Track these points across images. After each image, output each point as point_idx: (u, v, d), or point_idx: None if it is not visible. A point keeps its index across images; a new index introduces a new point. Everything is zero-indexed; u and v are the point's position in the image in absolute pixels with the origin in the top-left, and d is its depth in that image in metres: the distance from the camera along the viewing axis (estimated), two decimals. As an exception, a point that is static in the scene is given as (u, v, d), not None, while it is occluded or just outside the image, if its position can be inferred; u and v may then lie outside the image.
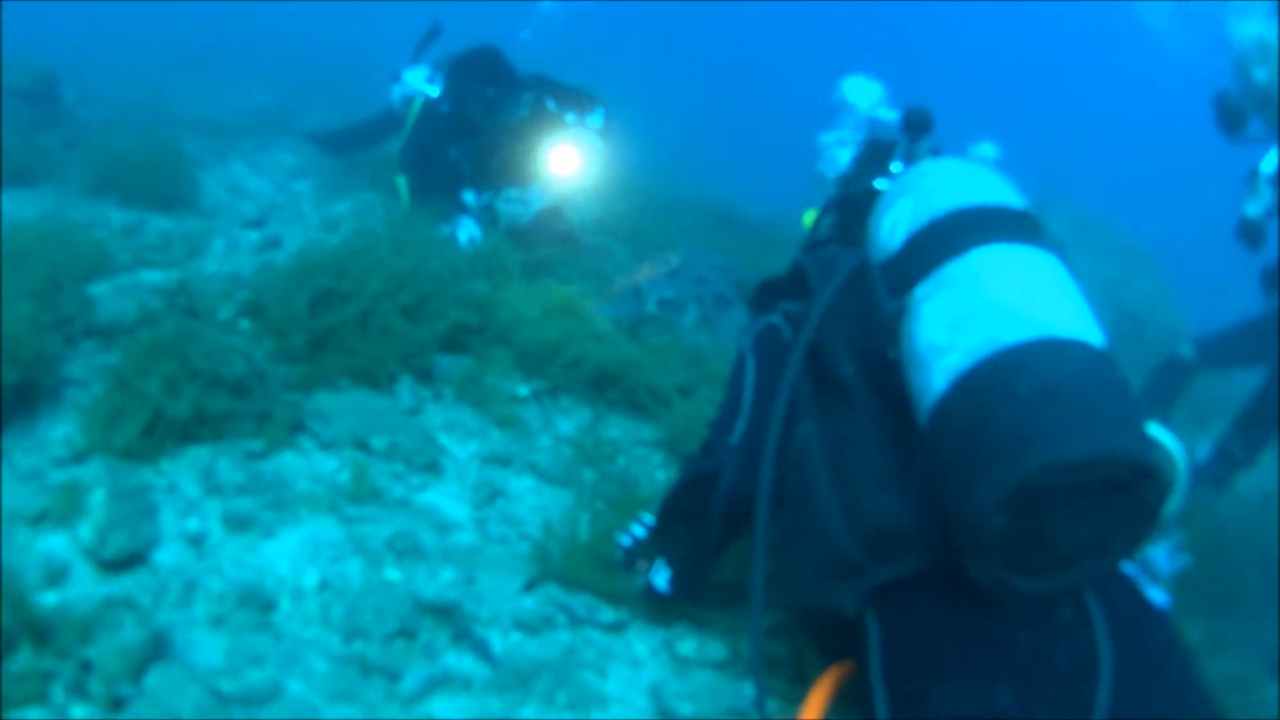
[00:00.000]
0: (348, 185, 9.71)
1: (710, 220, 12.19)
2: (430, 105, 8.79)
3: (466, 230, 8.12)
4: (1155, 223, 16.95)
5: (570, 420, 5.99)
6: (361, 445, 5.08)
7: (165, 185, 8.15)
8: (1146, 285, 14.20)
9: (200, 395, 4.76)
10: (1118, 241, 14.60)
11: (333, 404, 5.27)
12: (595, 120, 8.14)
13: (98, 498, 4.08)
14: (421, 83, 8.95)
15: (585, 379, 6.15)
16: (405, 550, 4.38)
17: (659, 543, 4.14)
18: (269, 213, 8.78)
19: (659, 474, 5.64)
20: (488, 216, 8.32)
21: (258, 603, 3.91)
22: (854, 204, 4.39)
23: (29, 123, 9.58)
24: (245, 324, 5.89)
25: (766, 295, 4.32)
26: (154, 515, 4.24)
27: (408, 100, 9.08)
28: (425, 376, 5.84)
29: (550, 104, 8.19)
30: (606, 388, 6.19)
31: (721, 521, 3.77)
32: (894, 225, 3.40)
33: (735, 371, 4.11)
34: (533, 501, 5.13)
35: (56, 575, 3.84)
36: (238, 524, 4.32)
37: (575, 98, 8.24)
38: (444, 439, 5.40)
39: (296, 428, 5.07)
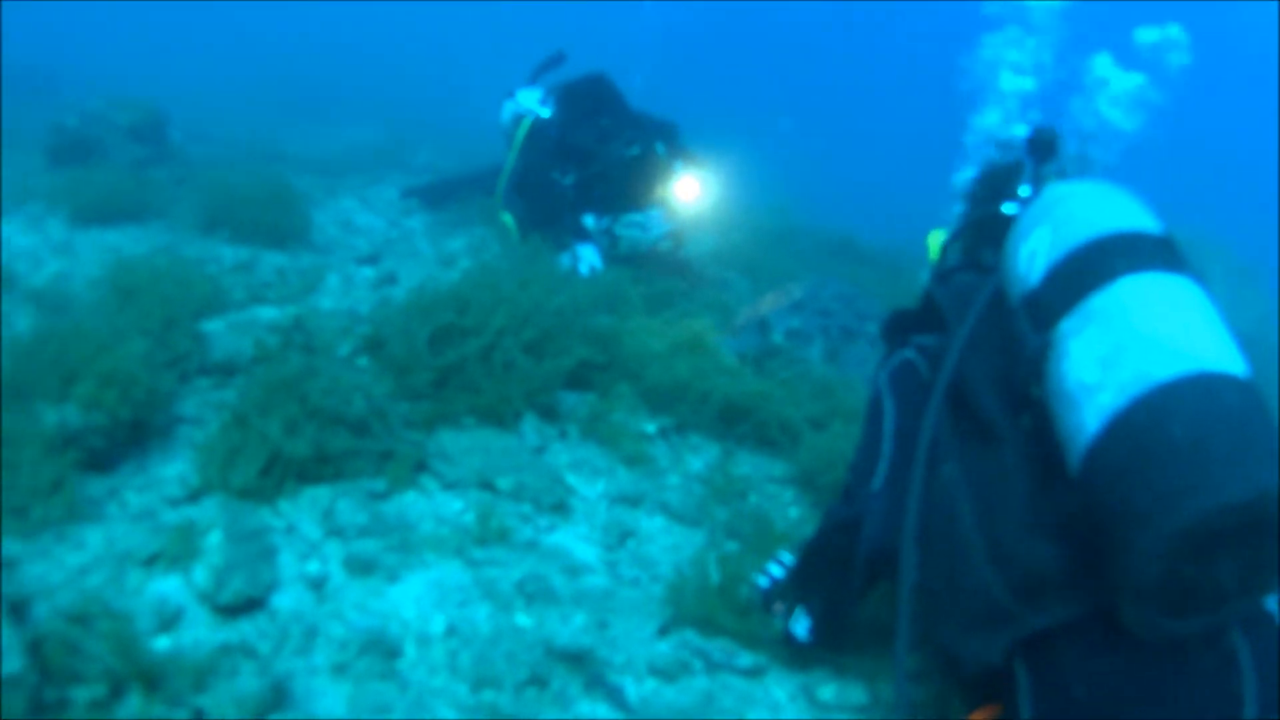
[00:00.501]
0: (461, 221, 9.59)
1: (827, 249, 12.04)
2: (539, 126, 8.72)
3: (587, 260, 7.99)
4: (1259, 239, 16.50)
5: (699, 457, 5.79)
6: (487, 485, 4.90)
7: (277, 221, 8.12)
8: (1257, 306, 13.76)
9: (320, 434, 4.62)
10: (1226, 261, 14.16)
11: (457, 443, 5.10)
12: (697, 170, 8.05)
13: (214, 540, 3.93)
14: (534, 103, 8.89)
15: (714, 414, 5.95)
16: (536, 594, 4.19)
17: (799, 590, 3.96)
18: (383, 248, 8.71)
19: (791, 511, 5.42)
20: (606, 240, 8.22)
21: (382, 650, 3.73)
22: (982, 229, 4.21)
23: (138, 159, 9.72)
24: (363, 361, 5.76)
25: (898, 328, 4.22)
26: (273, 558, 4.08)
27: (518, 119, 9.01)
28: (550, 414, 5.67)
29: (660, 148, 8.12)
30: (735, 422, 6.00)
31: (865, 570, 3.64)
32: (1032, 255, 3.31)
33: (872, 410, 3.94)
34: (664, 542, 4.92)
35: (170, 620, 3.68)
36: (360, 567, 4.16)
37: (682, 149, 8.20)
38: (571, 478, 5.21)
39: (420, 467, 4.90)
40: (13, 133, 10.17)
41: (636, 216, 8.17)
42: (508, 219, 8.68)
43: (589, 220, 8.22)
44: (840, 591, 3.76)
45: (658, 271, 8.21)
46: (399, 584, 4.13)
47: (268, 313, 6.18)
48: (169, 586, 3.85)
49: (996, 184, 4.32)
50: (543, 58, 9.36)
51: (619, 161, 8.17)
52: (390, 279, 7.72)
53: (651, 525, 5.04)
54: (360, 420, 4.78)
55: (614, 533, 4.85)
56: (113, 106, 10.14)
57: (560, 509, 4.93)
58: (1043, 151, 4.18)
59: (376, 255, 8.38)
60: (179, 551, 3.93)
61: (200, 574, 3.84)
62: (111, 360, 4.58)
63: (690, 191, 7.97)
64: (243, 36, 23.72)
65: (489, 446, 5.11)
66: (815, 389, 6.36)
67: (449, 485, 4.85)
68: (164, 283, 5.77)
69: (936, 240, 4.53)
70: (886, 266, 11.34)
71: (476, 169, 10.11)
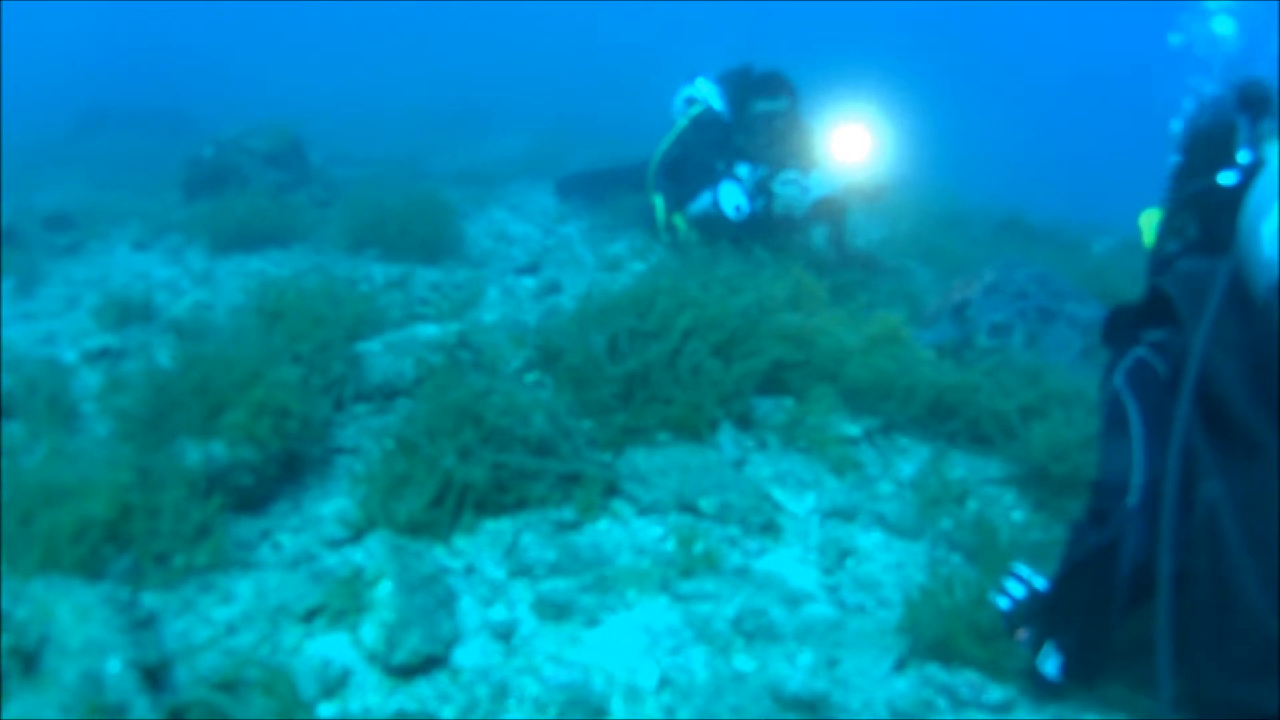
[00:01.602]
0: (618, 225, 9.24)
1: (997, 230, 11.41)
2: (709, 116, 8.29)
3: (731, 197, 7.56)
4: None
5: (909, 460, 5.27)
6: (688, 507, 4.45)
7: (428, 236, 7.88)
8: None
9: (498, 458, 4.19)
10: None
11: (649, 461, 4.64)
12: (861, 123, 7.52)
13: (384, 590, 3.49)
14: (710, 93, 8.42)
15: (921, 412, 5.43)
16: (755, 632, 3.70)
17: (1048, 623, 3.48)
18: (541, 257, 8.39)
19: (1015, 514, 4.91)
20: (762, 200, 7.70)
21: (586, 709, 3.26)
22: (1202, 204, 3.72)
23: (278, 184, 9.55)
24: (532, 377, 5.35)
25: (1121, 324, 3.80)
26: (452, 606, 3.65)
27: (689, 103, 8.59)
28: (745, 423, 5.20)
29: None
30: (945, 419, 5.45)
31: (1125, 599, 3.22)
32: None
33: (1113, 417, 3.49)
34: (884, 559, 4.43)
35: (334, 685, 3.27)
36: (553, 611, 3.70)
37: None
38: (778, 493, 4.73)
39: (611, 491, 4.47)
40: (150, 171, 10.38)
41: (795, 174, 7.62)
42: (657, 201, 8.34)
43: (743, 169, 7.76)
44: (1096, 625, 3.32)
45: (830, 264, 7.74)
46: (599, 628, 3.68)
47: (428, 330, 5.78)
48: (333, 645, 3.46)
49: (1210, 151, 3.78)
50: (734, 66, 8.91)
51: (769, 115, 7.77)
52: (554, 288, 7.40)
53: (869, 541, 4.56)
54: (542, 441, 4.36)
55: (830, 553, 4.38)
56: (248, 134, 10.09)
57: (769, 529, 4.47)
58: (1258, 107, 3.65)
59: (535, 264, 8.10)
60: (344, 605, 3.54)
61: (369, 631, 3.41)
62: (261, 389, 4.27)
63: (853, 146, 7.42)
64: (378, 56, 23.76)
65: (685, 463, 4.65)
66: (1023, 377, 5.79)
67: (645, 510, 4.43)
68: (313, 303, 5.45)
69: (1151, 222, 4.06)
70: (1060, 244, 10.86)
71: (633, 160, 9.71)
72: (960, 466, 5.22)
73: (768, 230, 7.63)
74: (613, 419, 4.82)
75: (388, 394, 5.06)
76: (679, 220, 8.12)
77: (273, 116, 10.67)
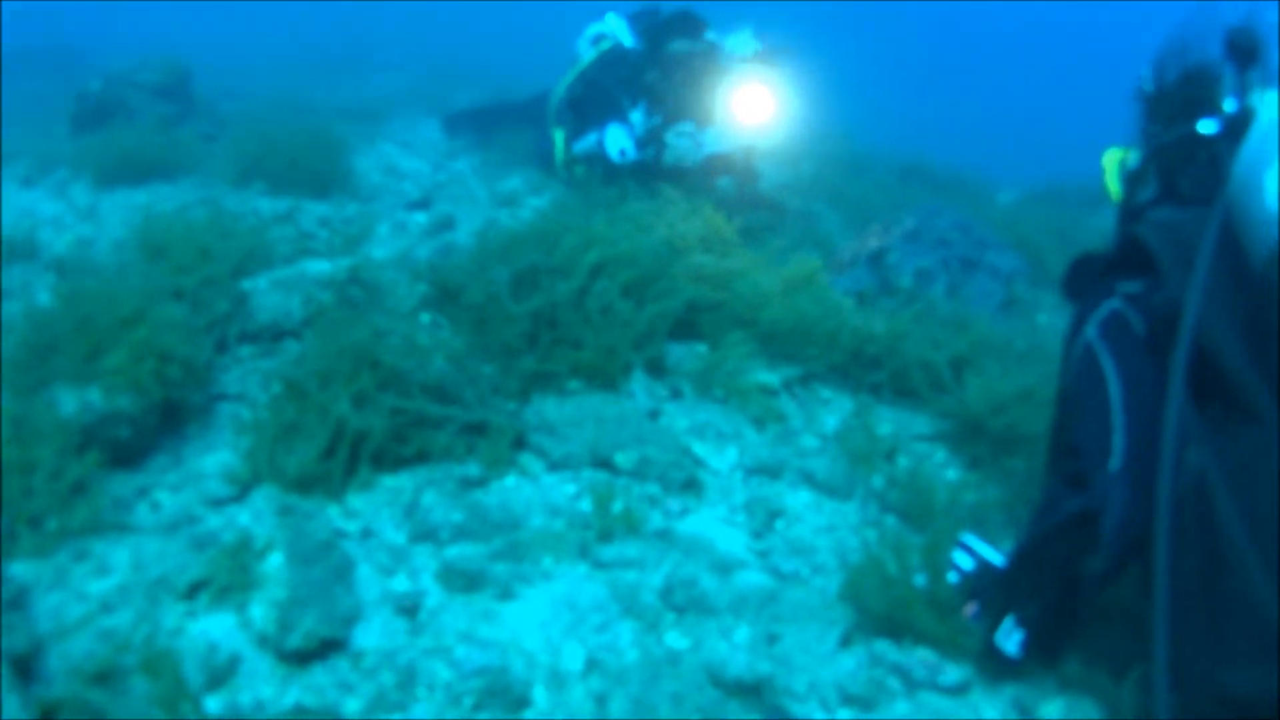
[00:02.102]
0: (511, 161, 8.84)
1: (901, 176, 11.28)
2: (618, 53, 7.91)
3: (616, 140, 7.22)
4: None
5: (832, 413, 4.92)
6: (603, 463, 4.08)
7: (317, 170, 7.49)
8: None
9: (397, 405, 3.77)
10: None
11: (559, 411, 4.26)
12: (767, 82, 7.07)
13: (274, 563, 3.11)
14: (622, 30, 8.09)
15: (843, 360, 5.08)
16: (686, 605, 3.34)
17: (1008, 596, 3.22)
18: (432, 192, 8.01)
19: (949, 473, 4.59)
20: (653, 149, 7.33)
21: (506, 698, 2.89)
22: (1180, 152, 3.48)
23: (165, 118, 9.16)
24: (427, 317, 4.93)
25: (1086, 274, 3.57)
26: (349, 577, 3.26)
27: (598, 39, 8.24)
28: (657, 369, 4.83)
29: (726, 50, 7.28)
30: (869, 369, 5.11)
31: (1108, 570, 2.98)
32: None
33: (1086, 372, 3.24)
34: (815, 521, 4.10)
35: (222, 673, 2.89)
36: (463, 582, 3.31)
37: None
38: (698, 447, 4.38)
39: (519, 444, 4.08)
40: (36, 107, 10.12)
41: (690, 126, 7.24)
42: (558, 136, 7.97)
43: (635, 115, 7.39)
44: (1068, 597, 3.08)
45: (735, 205, 7.27)
46: (515, 602, 3.30)
47: (317, 266, 5.33)
48: (219, 626, 3.05)
49: (1189, 97, 3.52)
50: (642, 6, 8.51)
51: (688, 55, 7.33)
52: (447, 224, 7.02)
53: (797, 501, 4.22)
54: (443, 386, 3.94)
55: (758, 513, 4.03)
56: (136, 68, 9.85)
57: (691, 487, 4.11)
58: (1246, 55, 3.37)
59: (427, 200, 7.75)
60: (230, 579, 3.14)
61: (259, 610, 3.02)
62: (144, 329, 3.85)
63: (756, 107, 7.02)
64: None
65: (598, 413, 4.27)
66: (950, 327, 5.45)
67: (556, 465, 4.05)
68: (200, 236, 5.01)
69: (1114, 161, 3.82)
70: (966, 193, 10.74)
71: (523, 96, 9.54)
72: (887, 421, 4.89)
73: (658, 179, 7.23)
74: (518, 363, 4.44)
75: (275, 334, 4.67)
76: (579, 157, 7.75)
77: (163, 53, 10.25)
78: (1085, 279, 3.53)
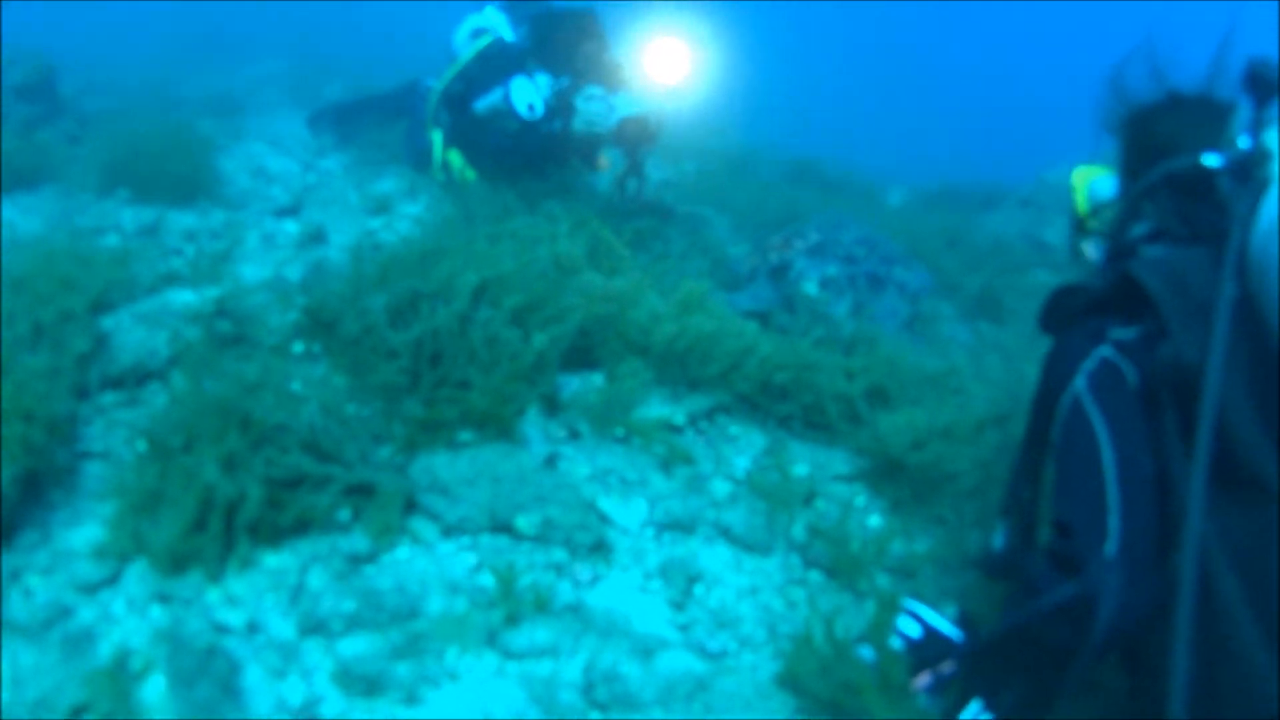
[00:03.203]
0: (383, 160, 8.45)
1: (790, 177, 10.96)
2: (499, 48, 7.49)
3: (524, 93, 6.86)
4: None
5: (742, 452, 4.58)
6: (502, 527, 3.67)
7: (183, 173, 7.01)
8: None
9: (269, 466, 3.35)
10: None
11: (452, 468, 3.82)
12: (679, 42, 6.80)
13: (155, 689, 2.69)
14: (502, 24, 7.66)
15: (750, 391, 4.75)
16: (609, 702, 2.99)
17: (977, 681, 2.95)
18: (302, 196, 7.57)
19: (871, 520, 4.28)
20: (561, 115, 6.98)
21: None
22: (1182, 187, 3.16)
23: (27, 120, 8.73)
24: (299, 347, 4.50)
25: (1068, 308, 3.27)
26: (237, 688, 2.86)
27: (477, 33, 7.79)
28: (551, 406, 4.46)
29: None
30: (778, 400, 4.77)
31: (1094, 662, 2.68)
32: None
33: (1073, 429, 2.92)
34: (736, 581, 3.77)
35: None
36: (362, 686, 2.92)
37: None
38: (603, 501, 4.01)
39: (409, 506, 3.65)
40: None
41: (600, 91, 6.91)
42: (436, 137, 7.62)
43: (542, 78, 6.99)
44: (1045, 688, 2.77)
45: (620, 209, 7.07)
46: (421, 707, 2.90)
47: (182, 296, 4.88)
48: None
49: (1197, 126, 3.24)
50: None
51: (557, 17, 7.09)
52: (318, 236, 6.57)
53: (714, 560, 3.87)
54: (319, 443, 3.50)
55: (675, 578, 3.68)
56: None
57: (599, 549, 3.74)
58: (1263, 89, 3.05)
59: (297, 205, 7.31)
60: (111, 707, 2.72)
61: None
62: (8, 386, 3.41)
63: (670, 64, 6.72)
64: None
65: (494, 468, 3.84)
66: (861, 353, 5.13)
67: (451, 530, 3.63)
68: (60, 265, 4.53)
69: (1084, 182, 3.58)
70: (855, 192, 10.69)
71: (389, 87, 9.16)
72: (801, 459, 4.56)
73: (564, 149, 7.05)
74: (402, 407, 4.03)
75: (139, 377, 4.21)
76: (454, 158, 7.43)
77: (22, 44, 9.70)
78: (1066, 314, 3.26)
